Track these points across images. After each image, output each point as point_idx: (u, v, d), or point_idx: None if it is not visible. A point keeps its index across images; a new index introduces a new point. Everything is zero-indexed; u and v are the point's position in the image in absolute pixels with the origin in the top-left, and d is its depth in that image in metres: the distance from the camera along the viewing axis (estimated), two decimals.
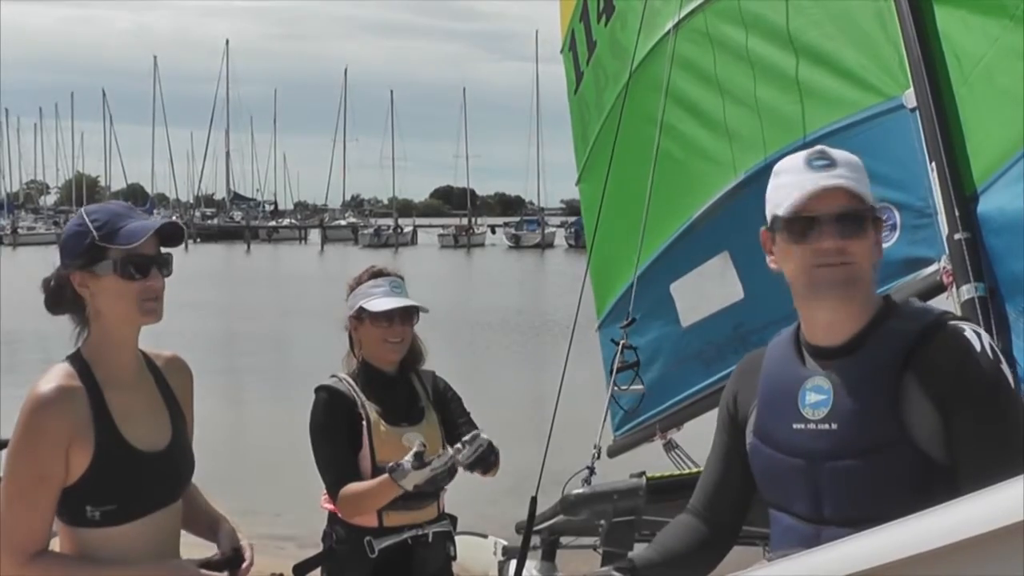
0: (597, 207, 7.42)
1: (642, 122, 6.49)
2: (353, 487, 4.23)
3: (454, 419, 4.54)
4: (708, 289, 6.33)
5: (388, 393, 4.43)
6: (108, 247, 2.93)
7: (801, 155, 2.67)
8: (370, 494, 4.21)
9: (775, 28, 5.32)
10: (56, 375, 2.93)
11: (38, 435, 2.86)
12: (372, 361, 4.46)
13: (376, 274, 4.49)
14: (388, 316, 4.38)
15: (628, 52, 6.65)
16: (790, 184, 2.62)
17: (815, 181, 2.59)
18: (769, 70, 5.42)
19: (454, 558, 4.54)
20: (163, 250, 3.03)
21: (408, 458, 4.06)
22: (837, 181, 2.58)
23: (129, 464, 2.94)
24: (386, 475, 4.11)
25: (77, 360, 2.99)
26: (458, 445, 4.09)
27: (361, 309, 4.40)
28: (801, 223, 2.59)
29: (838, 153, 2.66)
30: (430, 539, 4.39)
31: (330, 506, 4.43)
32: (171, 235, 3.04)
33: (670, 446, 6.59)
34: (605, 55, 7.26)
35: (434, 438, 4.39)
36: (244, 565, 3.09)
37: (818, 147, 2.68)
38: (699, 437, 5.81)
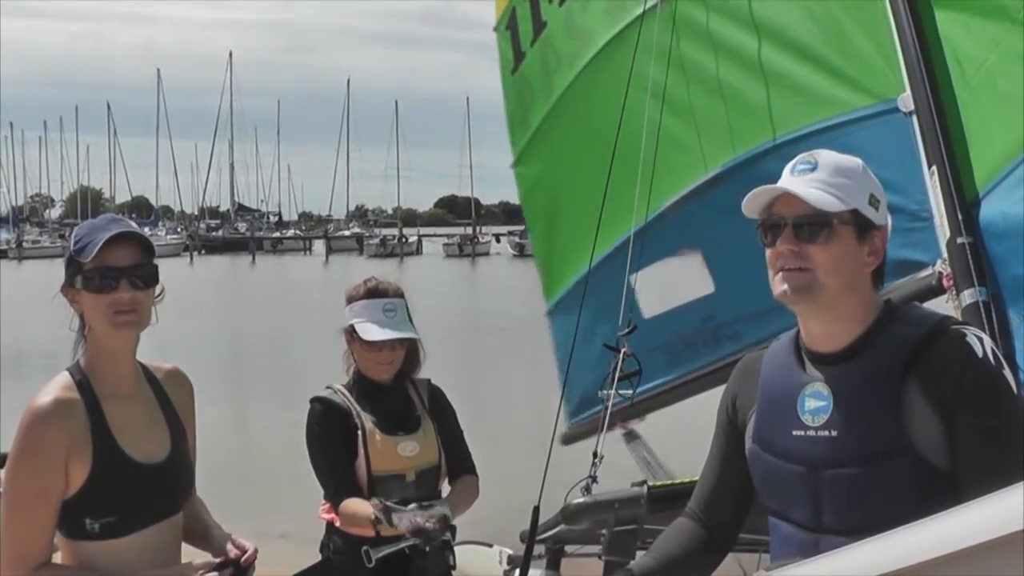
0: (537, 191, 7.39)
1: (604, 107, 6.28)
2: (351, 507, 4.24)
3: (451, 431, 4.55)
4: (674, 281, 6.15)
5: (383, 402, 4.43)
6: (80, 261, 2.94)
7: (792, 160, 2.67)
8: (357, 520, 4.21)
9: (759, 22, 5.24)
10: (54, 387, 2.93)
11: (37, 448, 2.86)
12: (364, 372, 4.47)
13: (372, 292, 4.46)
14: (380, 344, 4.39)
15: (588, 35, 6.49)
16: (769, 188, 2.64)
17: (789, 186, 2.60)
18: (750, 64, 5.31)
19: (453, 567, 4.51)
20: (154, 260, 3.01)
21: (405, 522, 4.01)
22: (795, 187, 2.57)
23: (127, 476, 2.93)
24: (369, 514, 4.09)
25: (76, 372, 2.99)
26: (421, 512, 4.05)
27: (352, 329, 4.42)
28: (765, 227, 2.63)
29: (827, 157, 2.64)
30: (428, 548, 4.29)
31: (329, 516, 4.43)
32: (143, 243, 3.00)
33: (631, 436, 6.50)
34: (558, 36, 6.96)
35: (430, 447, 4.41)
36: (246, 556, 3.04)
37: (808, 152, 2.67)
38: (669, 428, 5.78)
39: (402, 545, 4.20)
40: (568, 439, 7.11)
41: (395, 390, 4.49)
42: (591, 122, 6.59)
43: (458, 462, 4.55)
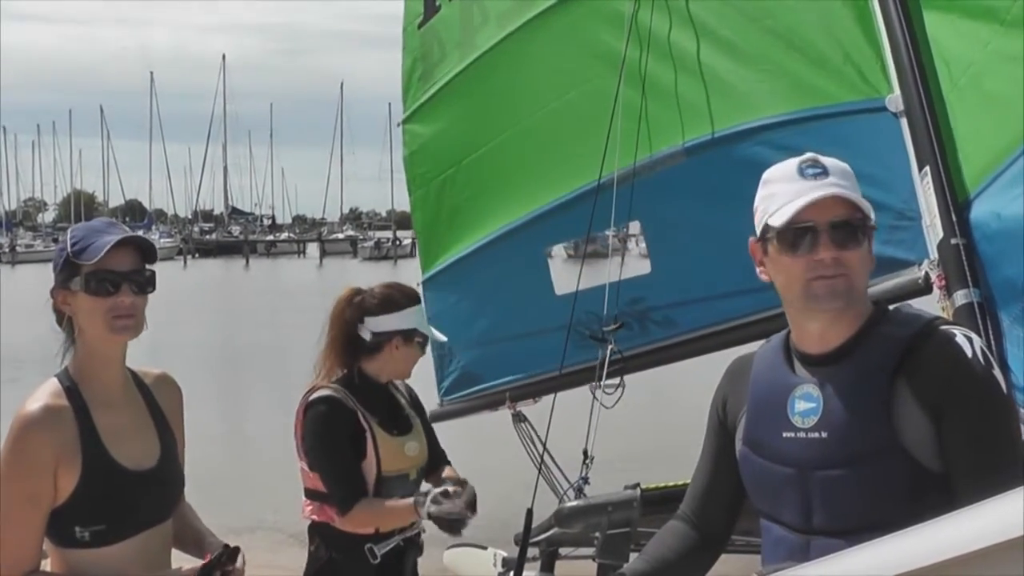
0: (427, 151, 6.92)
1: (540, 71, 6.10)
2: (374, 505, 4.29)
3: (430, 426, 4.69)
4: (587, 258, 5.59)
5: (381, 403, 4.47)
6: (79, 263, 2.92)
7: (792, 163, 2.61)
8: (391, 515, 4.30)
9: (740, 3, 5.11)
10: (42, 394, 2.92)
11: (25, 456, 2.84)
12: (379, 374, 4.49)
13: (418, 297, 4.63)
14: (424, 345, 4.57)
15: None
16: (782, 193, 2.57)
17: (811, 190, 2.53)
18: (726, 43, 5.15)
19: (421, 553, 4.64)
20: (147, 266, 3.00)
21: (435, 499, 4.13)
22: (833, 190, 2.53)
23: (117, 484, 2.92)
24: (410, 503, 4.20)
25: (64, 378, 2.97)
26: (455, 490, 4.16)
27: (415, 332, 4.49)
28: (794, 233, 2.54)
29: (829, 161, 2.61)
30: (420, 539, 4.53)
31: (316, 516, 4.43)
32: (146, 249, 3.01)
33: (519, 418, 6.32)
34: None
35: (424, 445, 4.52)
36: (237, 565, 3.00)
37: (809, 155, 2.62)
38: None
39: (398, 539, 4.36)
40: (438, 417, 6.66)
41: (385, 389, 4.54)
42: (518, 86, 6.30)
43: (438, 455, 4.66)
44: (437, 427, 4.88)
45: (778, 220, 2.55)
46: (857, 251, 2.54)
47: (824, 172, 2.57)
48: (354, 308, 4.48)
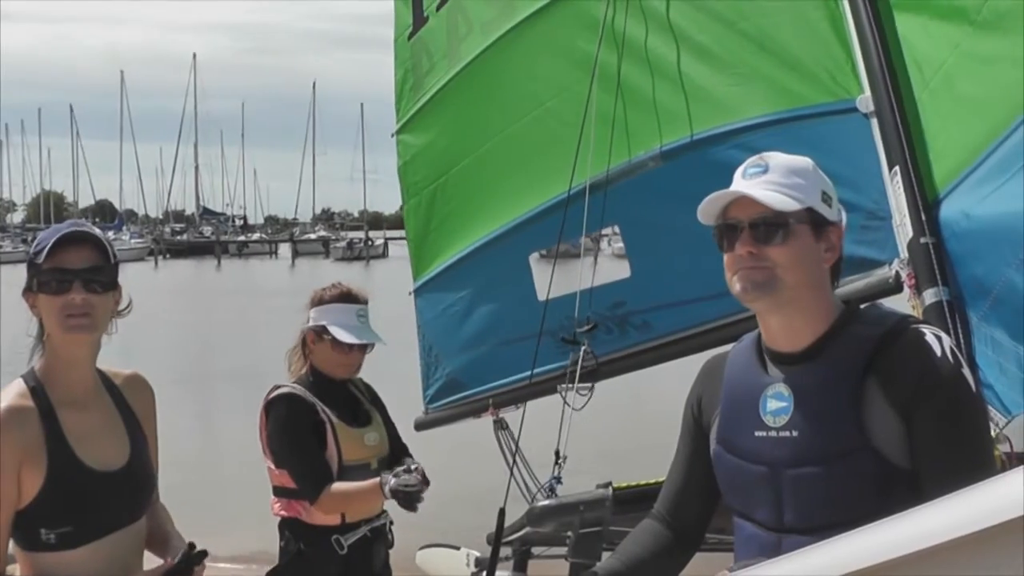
0: (419, 161, 7.01)
1: (522, 79, 6.16)
2: (342, 487, 4.43)
3: (390, 421, 4.84)
4: (571, 263, 5.72)
5: (338, 398, 4.64)
6: (37, 264, 2.90)
7: (745, 162, 2.68)
8: (359, 495, 4.45)
9: (712, 7, 5.13)
10: (7, 395, 2.88)
11: None
12: (321, 370, 4.66)
13: (345, 296, 4.68)
14: (351, 346, 4.62)
15: (510, 3, 6.21)
16: (723, 193, 2.64)
17: (736, 190, 2.61)
18: (701, 48, 5.18)
19: (392, 545, 4.79)
20: (114, 264, 2.95)
21: (396, 474, 4.35)
22: (749, 190, 2.58)
23: (83, 485, 2.88)
24: (376, 482, 4.38)
25: (30, 379, 2.94)
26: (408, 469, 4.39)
27: (324, 329, 4.60)
28: (721, 231, 2.63)
29: (778, 159, 2.65)
30: (388, 529, 4.71)
31: (284, 512, 4.57)
32: (98, 244, 2.93)
33: (500, 425, 6.35)
34: (474, 4, 6.58)
35: (384, 437, 4.69)
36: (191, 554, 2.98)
37: (761, 154, 2.67)
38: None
39: (365, 529, 4.55)
40: (423, 425, 6.87)
41: (343, 386, 4.71)
42: (502, 94, 6.35)
43: (400, 447, 4.82)
44: (422, 434, 4.98)
45: (712, 219, 2.65)
46: (783, 247, 2.56)
47: (763, 170, 2.62)
48: (307, 305, 4.71)
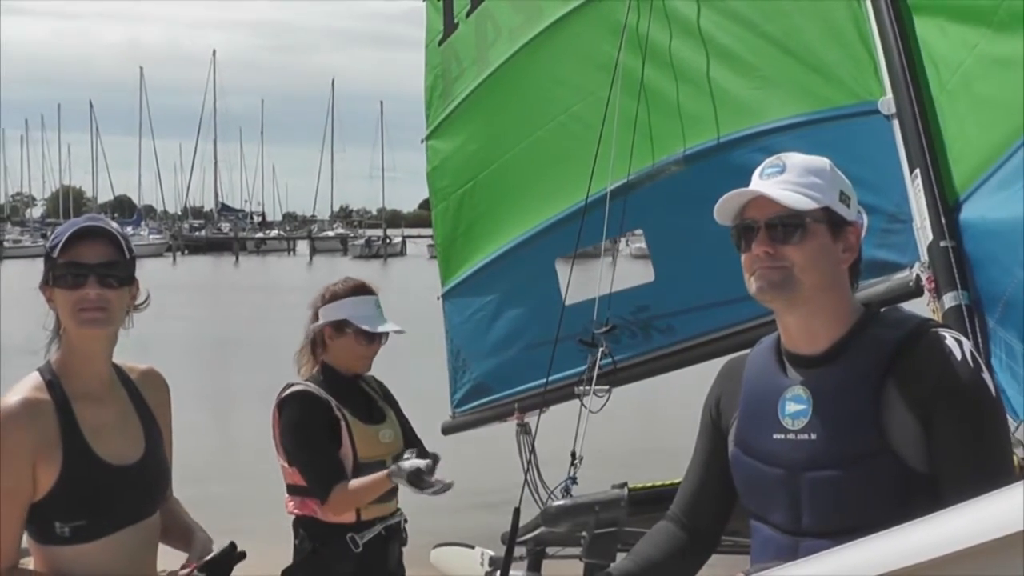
0: (447, 166, 7.11)
1: (548, 84, 6.20)
2: (355, 483, 4.40)
3: (405, 418, 4.79)
4: (602, 267, 5.74)
5: (352, 395, 4.61)
6: (53, 258, 2.90)
7: (763, 163, 2.67)
8: (367, 490, 4.40)
9: (736, 10, 5.16)
10: (23, 388, 2.89)
11: (4, 450, 2.79)
12: (336, 366, 4.61)
13: (360, 288, 4.64)
14: (374, 337, 4.56)
15: (537, 9, 6.26)
16: (740, 192, 2.63)
17: (752, 189, 2.61)
18: (724, 51, 5.21)
19: (405, 543, 4.76)
20: (130, 259, 2.95)
21: (407, 465, 4.31)
22: (765, 190, 2.58)
23: (98, 478, 2.88)
24: (384, 473, 4.36)
25: (46, 372, 2.94)
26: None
27: (346, 323, 4.53)
28: (738, 231, 2.63)
29: (795, 159, 2.64)
30: (402, 527, 4.68)
31: (298, 511, 4.56)
32: (114, 239, 2.93)
33: (524, 430, 6.37)
34: (502, 10, 6.67)
35: (399, 434, 4.65)
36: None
37: (779, 154, 2.67)
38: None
39: (379, 527, 4.52)
40: (450, 429, 6.90)
41: (356, 384, 4.67)
42: (529, 99, 6.40)
43: (415, 443, 4.75)
44: (437, 434, 4.94)
45: (730, 220, 2.65)
46: (800, 246, 2.55)
47: (780, 170, 2.61)
48: (315, 303, 4.64)
